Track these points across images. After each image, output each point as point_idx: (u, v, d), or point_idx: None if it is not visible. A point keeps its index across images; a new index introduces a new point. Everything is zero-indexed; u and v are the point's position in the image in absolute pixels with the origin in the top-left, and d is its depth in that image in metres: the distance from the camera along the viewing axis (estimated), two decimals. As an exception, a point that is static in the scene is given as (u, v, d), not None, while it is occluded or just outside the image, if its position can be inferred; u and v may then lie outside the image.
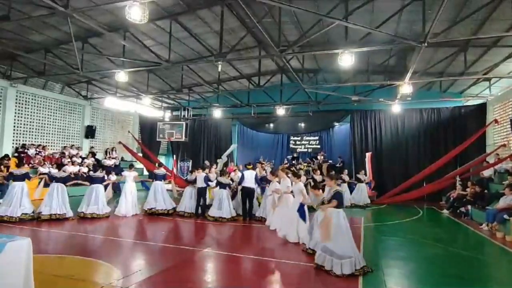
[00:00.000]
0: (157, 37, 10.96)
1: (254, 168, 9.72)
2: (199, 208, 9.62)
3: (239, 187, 9.61)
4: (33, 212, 8.44)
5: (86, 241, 6.79)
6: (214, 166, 12.34)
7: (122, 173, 10.36)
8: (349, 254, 4.81)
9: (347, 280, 4.65)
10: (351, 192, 13.29)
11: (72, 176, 11.39)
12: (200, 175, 9.61)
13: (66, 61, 11.61)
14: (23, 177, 8.54)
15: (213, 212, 9.12)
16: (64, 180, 8.95)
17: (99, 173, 9.58)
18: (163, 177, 10.28)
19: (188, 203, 9.78)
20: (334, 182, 5.50)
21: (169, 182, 11.00)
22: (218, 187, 9.47)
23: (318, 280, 4.73)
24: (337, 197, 5.17)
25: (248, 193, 9.30)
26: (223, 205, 9.05)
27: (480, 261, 6.19)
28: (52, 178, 8.83)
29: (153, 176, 10.38)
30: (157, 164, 12.34)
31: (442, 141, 14.85)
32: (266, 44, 10.64)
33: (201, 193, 9.62)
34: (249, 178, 9.33)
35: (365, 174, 13.83)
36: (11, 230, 7.20)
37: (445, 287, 4.69)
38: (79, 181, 10.54)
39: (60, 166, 9.99)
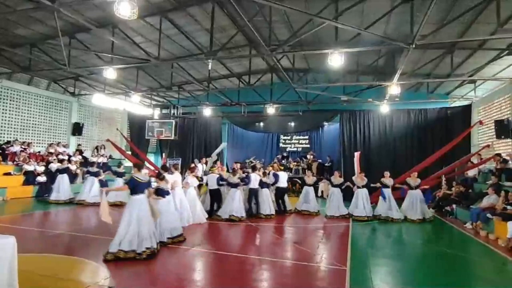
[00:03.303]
0: (146, 34, 10.82)
1: (285, 170, 11.22)
2: (251, 209, 9.68)
3: (273, 187, 10.46)
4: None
5: (72, 239, 6.66)
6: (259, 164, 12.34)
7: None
8: (120, 234, 5.25)
9: (334, 277, 4.70)
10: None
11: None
12: (254, 176, 9.73)
13: (52, 56, 11.37)
14: (97, 174, 11.57)
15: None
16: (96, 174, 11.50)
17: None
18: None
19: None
20: (137, 171, 5.76)
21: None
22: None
23: (306, 275, 4.77)
24: (128, 182, 5.55)
25: (282, 193, 10.47)
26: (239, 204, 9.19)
27: (464, 259, 6.32)
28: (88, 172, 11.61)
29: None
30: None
31: (429, 141, 15.07)
32: (256, 43, 10.63)
33: (255, 194, 9.71)
34: (282, 179, 10.48)
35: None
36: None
37: (430, 285, 4.78)
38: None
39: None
